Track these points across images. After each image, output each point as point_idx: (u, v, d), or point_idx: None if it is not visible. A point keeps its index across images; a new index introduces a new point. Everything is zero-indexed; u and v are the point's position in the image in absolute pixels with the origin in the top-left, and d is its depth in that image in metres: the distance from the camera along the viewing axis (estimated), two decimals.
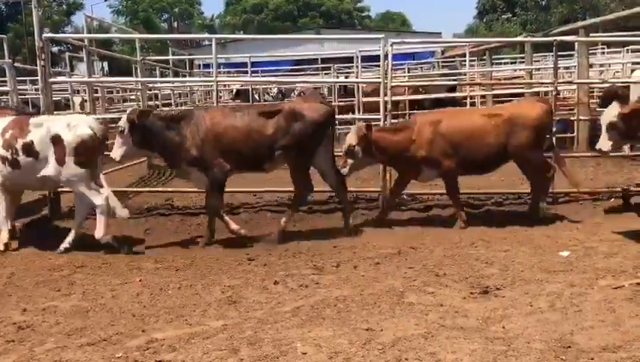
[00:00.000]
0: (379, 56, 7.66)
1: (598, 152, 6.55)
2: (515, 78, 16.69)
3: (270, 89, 17.83)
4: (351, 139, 6.69)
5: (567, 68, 14.72)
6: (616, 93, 10.10)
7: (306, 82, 16.84)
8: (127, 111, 6.42)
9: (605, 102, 11.01)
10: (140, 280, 5.10)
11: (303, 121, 6.27)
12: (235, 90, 17.33)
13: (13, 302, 4.63)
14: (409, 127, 6.83)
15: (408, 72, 18.91)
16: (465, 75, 15.36)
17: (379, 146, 6.69)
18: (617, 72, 14.99)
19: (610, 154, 6.73)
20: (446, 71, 18.91)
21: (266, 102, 11.70)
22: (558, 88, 8.03)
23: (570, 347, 3.55)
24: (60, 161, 5.88)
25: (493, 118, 6.74)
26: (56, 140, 5.89)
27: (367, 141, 6.63)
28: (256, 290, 4.76)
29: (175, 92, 16.17)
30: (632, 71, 13.49)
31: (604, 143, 6.30)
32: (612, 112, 6.34)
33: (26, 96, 13.20)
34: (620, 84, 10.99)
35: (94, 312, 4.38)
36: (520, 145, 6.65)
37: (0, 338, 3.94)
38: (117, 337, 3.90)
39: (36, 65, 7.55)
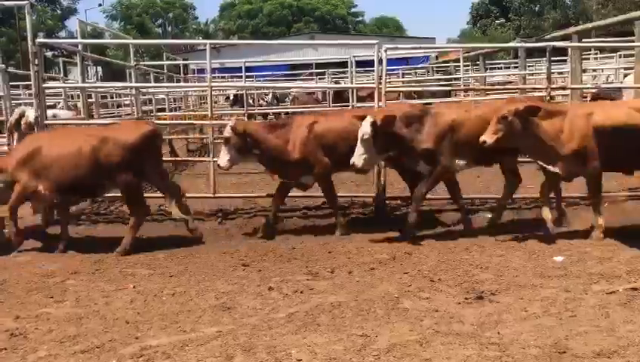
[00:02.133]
0: (373, 61, 7.67)
1: (219, 168, 6.78)
2: (508, 83, 16.76)
3: (265, 94, 17.85)
4: None
5: (560, 73, 14.79)
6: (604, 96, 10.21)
7: (301, 87, 16.87)
8: None
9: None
10: (134, 287, 5.07)
11: None
12: (232, 97, 17.32)
13: (6, 309, 4.60)
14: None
15: (402, 77, 18.99)
16: (459, 80, 15.45)
17: None
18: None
19: None
20: (440, 76, 18.99)
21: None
22: (552, 93, 8.04)
23: (564, 352, 3.56)
24: None
25: (88, 139, 6.27)
26: None
27: None
28: (251, 296, 4.74)
29: (169, 97, 16.16)
30: (625, 76, 13.59)
31: (223, 159, 6.61)
32: (227, 130, 6.57)
33: (20, 102, 13.14)
34: (612, 89, 11.10)
35: (87, 319, 4.35)
36: (112, 168, 6.21)
37: None
38: (110, 344, 3.87)
39: (29, 71, 7.52)
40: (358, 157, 6.09)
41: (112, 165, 6.18)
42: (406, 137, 6.23)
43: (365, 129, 6.04)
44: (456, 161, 6.45)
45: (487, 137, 5.78)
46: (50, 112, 10.43)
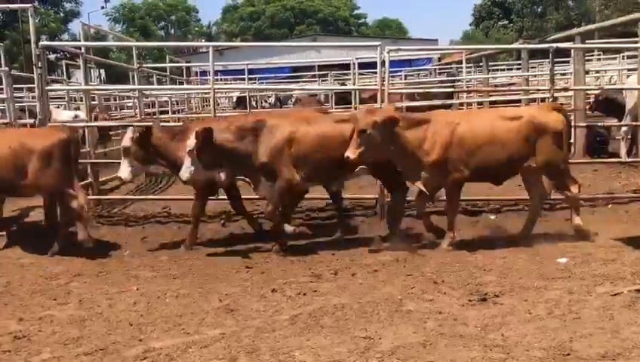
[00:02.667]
0: (375, 63, 7.66)
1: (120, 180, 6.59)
2: (511, 84, 16.75)
3: (268, 96, 17.87)
4: None
5: (563, 74, 14.78)
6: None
7: (303, 89, 16.89)
8: None
9: (599, 106, 11.11)
10: (137, 289, 5.08)
11: None
12: (235, 99, 17.36)
13: (9, 312, 4.61)
14: None
15: (405, 79, 18.98)
16: (462, 81, 15.43)
17: None
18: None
19: (608, 160, 6.75)
20: (443, 78, 18.97)
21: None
22: (555, 95, 8.03)
23: (569, 354, 3.55)
24: None
25: (7, 141, 6.17)
26: None
27: None
28: (254, 298, 4.74)
29: (172, 99, 16.18)
30: (628, 77, 13.57)
31: (124, 170, 6.44)
32: (127, 137, 6.40)
33: (23, 104, 13.19)
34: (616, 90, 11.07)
35: (91, 321, 4.36)
36: (24, 171, 6.11)
37: None
38: (114, 347, 3.88)
39: (33, 73, 7.54)
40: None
41: (24, 169, 6.11)
42: (239, 150, 5.93)
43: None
44: (296, 175, 6.04)
45: (351, 153, 5.55)
46: (72, 113, 10.55)
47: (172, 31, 65.06)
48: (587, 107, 10.88)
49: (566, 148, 6.26)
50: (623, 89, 11.18)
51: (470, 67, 18.29)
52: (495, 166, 5.97)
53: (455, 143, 5.83)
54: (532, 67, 16.54)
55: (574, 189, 6.17)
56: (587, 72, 13.15)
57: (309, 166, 6.04)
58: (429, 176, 5.89)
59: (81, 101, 11.26)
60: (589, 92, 11.11)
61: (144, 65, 13.53)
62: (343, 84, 17.02)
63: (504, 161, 5.93)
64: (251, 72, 17.27)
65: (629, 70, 14.17)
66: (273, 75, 21.57)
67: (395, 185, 6.40)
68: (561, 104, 12.64)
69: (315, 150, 6.01)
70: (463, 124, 5.94)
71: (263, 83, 18.76)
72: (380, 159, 5.94)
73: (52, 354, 3.81)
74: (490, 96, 14.03)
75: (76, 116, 10.24)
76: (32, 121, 8.73)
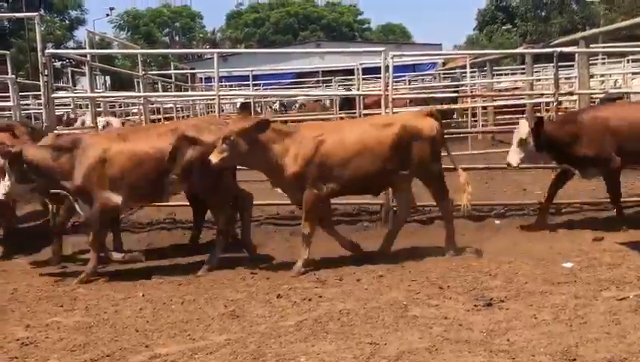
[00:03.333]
0: (379, 68, 7.69)
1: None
2: (515, 89, 16.74)
3: (272, 102, 17.93)
4: None
5: (567, 78, 14.76)
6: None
7: (307, 95, 16.94)
8: None
9: None
10: (143, 295, 5.10)
11: None
12: (240, 104, 17.43)
13: (17, 318, 4.64)
14: None
15: (409, 84, 19.01)
16: (466, 86, 15.45)
17: None
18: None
19: None
20: (447, 82, 18.99)
21: None
22: (560, 99, 8.03)
23: (575, 359, 3.53)
24: None
25: None
26: None
27: None
28: (260, 304, 4.75)
29: (177, 106, 16.25)
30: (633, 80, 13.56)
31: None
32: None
33: (29, 111, 13.26)
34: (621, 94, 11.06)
35: (97, 328, 4.37)
36: None
37: (3, 355, 3.94)
38: (120, 353, 3.89)
39: (39, 81, 7.60)
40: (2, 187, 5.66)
41: None
42: (53, 169, 5.63)
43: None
44: (114, 197, 5.73)
45: (214, 157, 5.49)
46: (103, 119, 10.60)
47: (176, 37, 65.31)
48: None
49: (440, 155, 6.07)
50: (627, 93, 11.18)
51: (474, 72, 18.30)
52: (367, 177, 5.79)
53: (319, 157, 5.67)
54: (536, 71, 16.53)
55: (448, 198, 6.06)
56: (592, 76, 13.14)
57: (127, 185, 5.78)
58: (290, 190, 5.81)
59: (87, 108, 11.33)
60: (593, 96, 11.08)
61: (149, 72, 13.61)
62: (348, 90, 17.07)
63: (377, 172, 5.76)
64: (256, 77, 17.36)
65: (633, 74, 14.16)
66: (277, 81, 21.65)
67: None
68: (566, 108, 12.69)
69: (132, 168, 5.77)
70: (329, 136, 5.76)
71: (267, 89, 18.85)
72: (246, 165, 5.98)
73: (59, 360, 3.83)
74: (495, 100, 14.03)
75: (107, 123, 10.27)
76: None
